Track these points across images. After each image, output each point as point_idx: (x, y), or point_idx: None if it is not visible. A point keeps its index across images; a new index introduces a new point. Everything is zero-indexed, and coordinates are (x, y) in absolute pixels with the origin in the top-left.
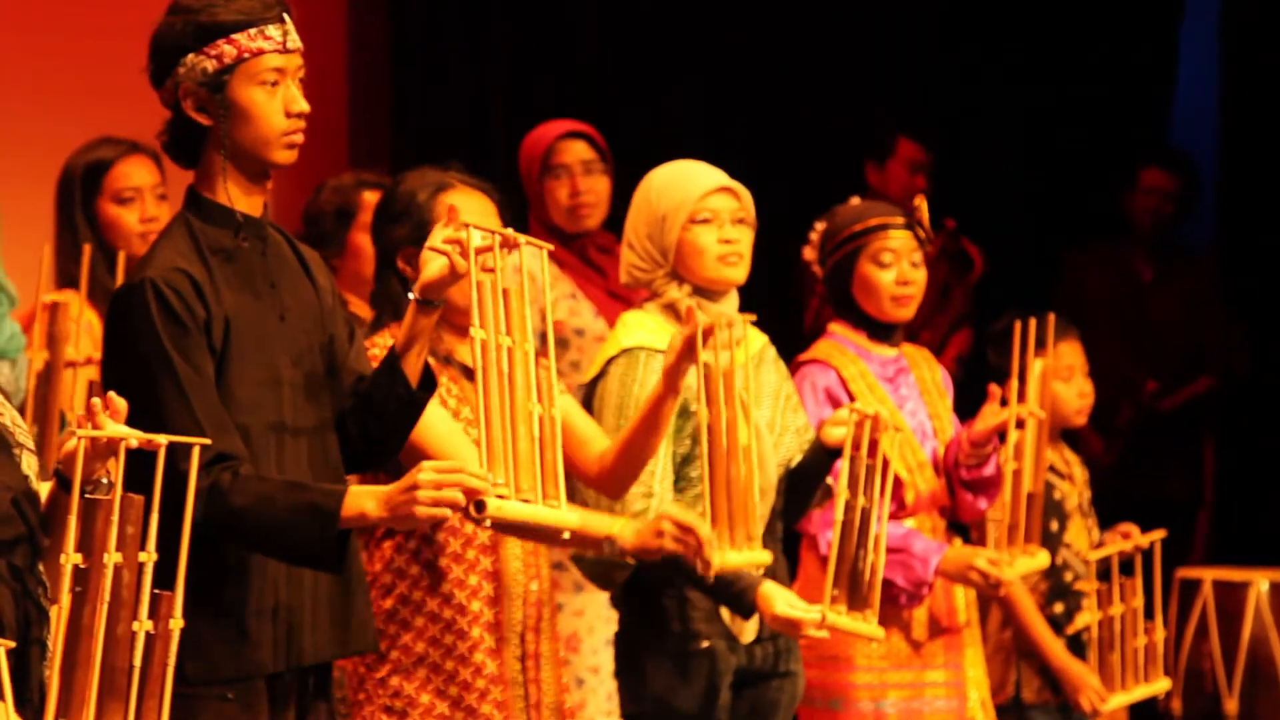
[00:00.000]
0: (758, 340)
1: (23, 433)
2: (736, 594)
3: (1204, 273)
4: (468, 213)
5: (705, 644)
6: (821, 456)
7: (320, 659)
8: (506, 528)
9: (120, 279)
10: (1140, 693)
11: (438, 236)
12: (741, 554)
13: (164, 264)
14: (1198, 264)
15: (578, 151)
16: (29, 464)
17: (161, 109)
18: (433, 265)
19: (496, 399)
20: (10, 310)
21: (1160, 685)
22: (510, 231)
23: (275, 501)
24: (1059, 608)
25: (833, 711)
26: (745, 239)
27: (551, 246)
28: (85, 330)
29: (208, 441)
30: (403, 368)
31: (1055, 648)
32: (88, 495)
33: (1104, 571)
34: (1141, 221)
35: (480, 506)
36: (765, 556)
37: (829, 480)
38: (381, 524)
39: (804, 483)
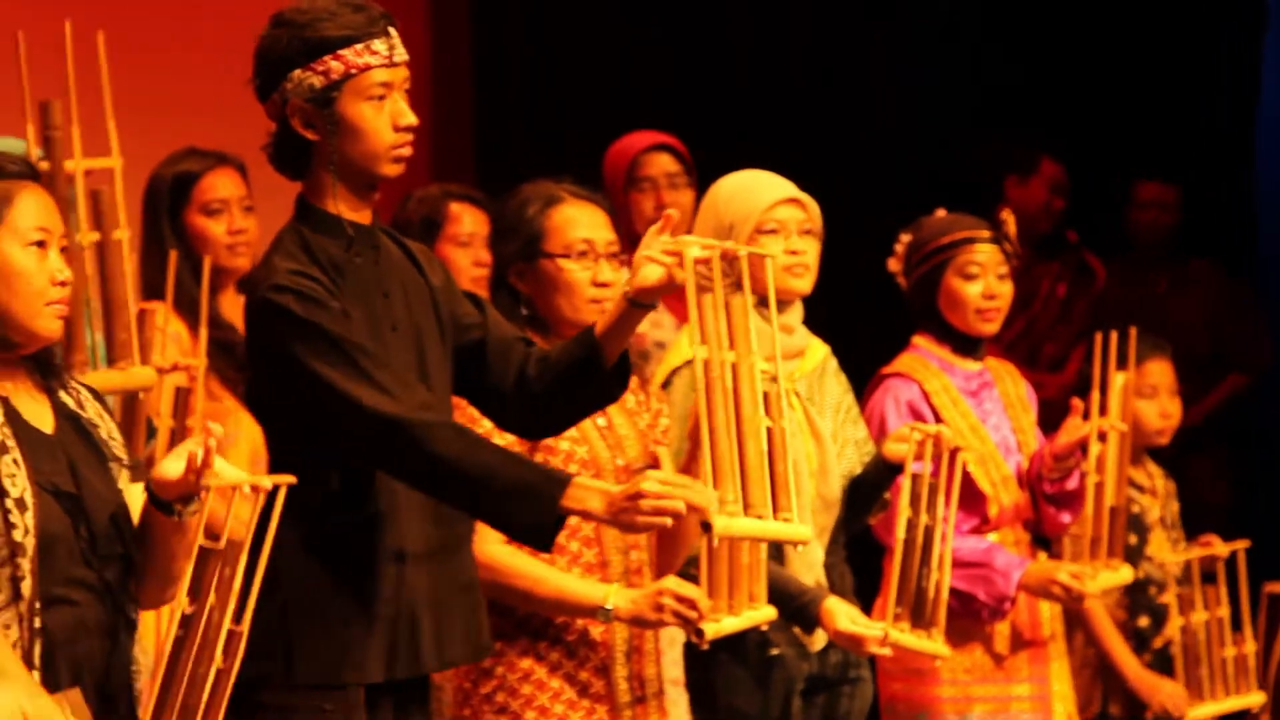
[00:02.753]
0: (820, 351)
1: (119, 446)
2: (799, 608)
3: (1217, 275)
4: (581, 225)
5: (775, 651)
6: (883, 471)
7: (428, 670)
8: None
9: (205, 286)
10: (1231, 704)
11: (654, 243)
12: (740, 617)
13: (285, 268)
14: (1210, 268)
15: (663, 164)
16: (125, 479)
17: (252, 122)
18: (648, 270)
19: (721, 415)
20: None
21: (1254, 698)
22: (731, 244)
23: (493, 467)
24: (1144, 621)
25: None
26: (811, 250)
27: (775, 254)
28: (172, 339)
29: (292, 480)
30: (601, 348)
31: (1128, 660)
32: (206, 545)
33: (1187, 581)
34: (1145, 235)
35: (707, 527)
36: (768, 613)
37: (887, 495)
38: (602, 522)
39: (863, 496)
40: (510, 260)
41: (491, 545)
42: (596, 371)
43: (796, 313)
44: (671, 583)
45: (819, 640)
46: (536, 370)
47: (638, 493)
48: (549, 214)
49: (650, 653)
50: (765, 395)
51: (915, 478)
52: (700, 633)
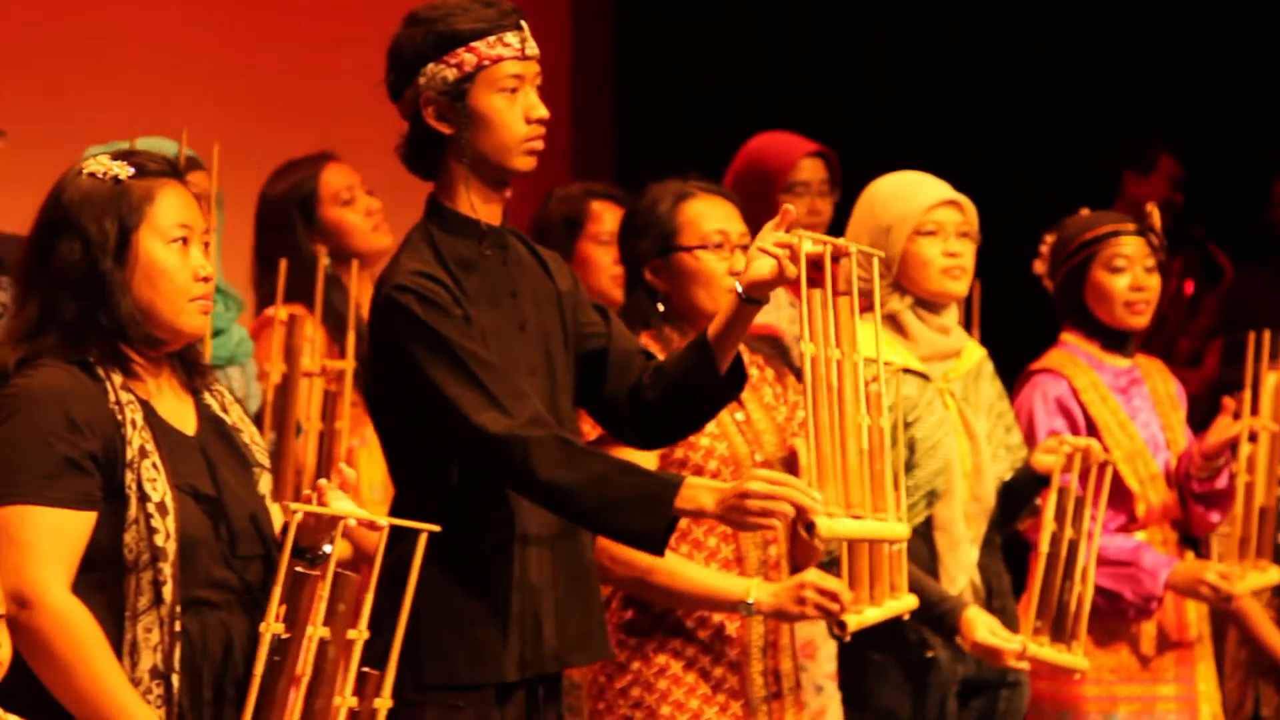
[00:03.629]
0: (976, 353)
1: (260, 451)
2: (939, 616)
3: None
4: (714, 217)
5: (930, 653)
6: (1030, 481)
7: (557, 668)
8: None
9: (353, 286)
10: None
11: (767, 236)
12: (882, 608)
13: (411, 269)
14: None
15: (817, 171)
16: (265, 484)
17: (371, 122)
18: (760, 263)
19: (826, 414)
20: (238, 316)
21: None
22: (841, 240)
23: (607, 482)
24: None
25: None
26: (969, 252)
27: (883, 254)
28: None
29: (436, 528)
30: (713, 352)
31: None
32: (302, 570)
33: None
34: None
35: (811, 528)
36: (909, 602)
37: (1037, 501)
38: (714, 519)
39: (1012, 502)
40: (645, 257)
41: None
42: (711, 374)
43: (952, 314)
44: (814, 575)
45: None
46: (651, 380)
47: (745, 492)
48: (681, 208)
49: (786, 647)
50: (866, 395)
51: (1062, 491)
52: (843, 625)
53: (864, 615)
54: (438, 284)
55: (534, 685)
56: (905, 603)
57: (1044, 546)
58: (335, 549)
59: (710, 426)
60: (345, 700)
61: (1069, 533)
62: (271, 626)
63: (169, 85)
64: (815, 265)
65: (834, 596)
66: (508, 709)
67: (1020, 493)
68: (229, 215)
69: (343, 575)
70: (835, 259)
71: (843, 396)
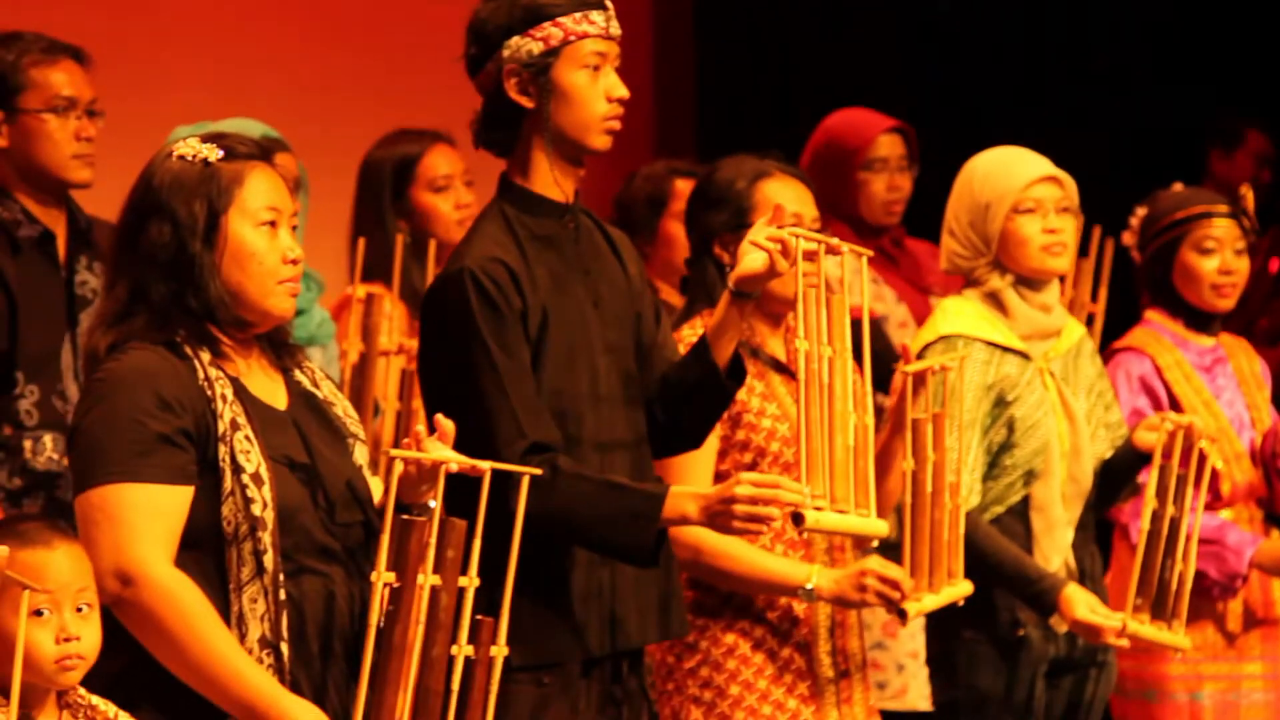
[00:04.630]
0: (1076, 331)
1: (354, 423)
2: (1038, 593)
3: None
4: (787, 200)
5: (1021, 632)
6: (1131, 458)
7: (640, 643)
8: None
9: (431, 268)
10: None
11: (760, 231)
12: (940, 595)
13: (481, 253)
14: None
15: (896, 147)
16: (361, 454)
17: (454, 101)
18: (753, 258)
19: (817, 410)
20: (319, 297)
21: None
22: (835, 240)
23: (597, 502)
24: None
25: (1147, 703)
26: (1069, 228)
27: (871, 253)
28: (394, 320)
29: (538, 472)
30: (712, 355)
31: None
32: (407, 518)
33: None
34: None
35: (798, 519)
36: (965, 588)
37: (1138, 480)
38: (700, 526)
39: (1112, 481)
40: (716, 231)
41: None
42: (711, 372)
43: (1054, 292)
44: (875, 563)
45: (1065, 621)
46: (657, 390)
47: (731, 497)
48: (758, 187)
49: (853, 627)
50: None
51: (1163, 468)
52: (903, 612)
53: (923, 603)
54: (506, 270)
55: (618, 661)
56: (961, 589)
57: (1145, 524)
58: (440, 494)
59: (771, 408)
60: (462, 648)
61: (1170, 510)
62: (383, 575)
63: (254, 65)
64: (810, 260)
65: (895, 584)
66: (592, 683)
67: (1120, 471)
68: (310, 196)
69: (449, 521)
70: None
71: (833, 393)
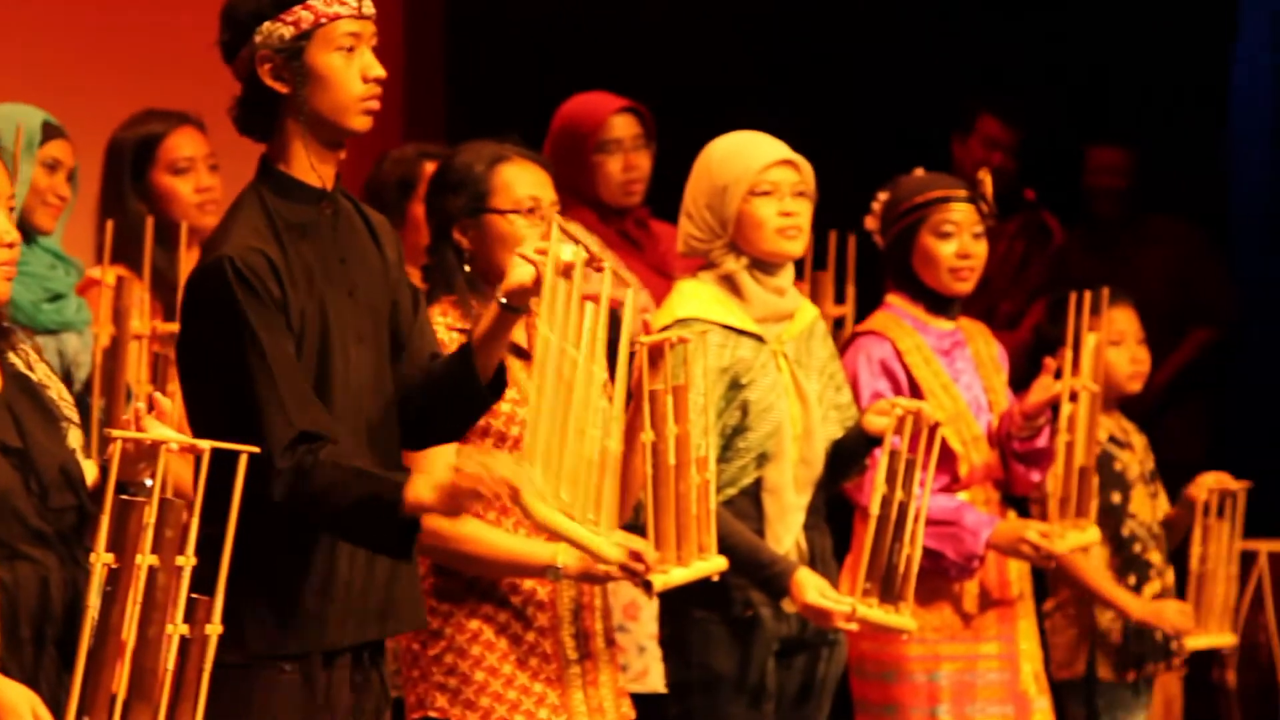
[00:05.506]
0: (809, 313)
1: (69, 406)
2: (768, 578)
3: (1178, 230)
4: (528, 183)
5: (751, 612)
6: (861, 441)
7: (378, 634)
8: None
9: (183, 250)
10: (1214, 640)
11: (529, 244)
12: (690, 568)
13: (239, 242)
14: (1171, 224)
15: (629, 126)
16: (75, 438)
17: (207, 82)
18: (520, 271)
19: (550, 399)
20: (76, 283)
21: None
22: (598, 250)
23: (346, 490)
24: (1132, 579)
25: (886, 683)
26: (805, 212)
27: (635, 287)
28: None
29: (255, 450)
30: (475, 365)
31: (1124, 597)
32: (127, 498)
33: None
34: (1100, 201)
35: (648, 586)
36: (718, 563)
37: (865, 461)
38: (437, 513)
39: (841, 462)
40: (455, 216)
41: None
42: (472, 381)
43: (788, 275)
44: (618, 537)
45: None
46: (419, 382)
47: (458, 473)
48: (496, 171)
49: (598, 609)
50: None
51: (893, 454)
52: (649, 585)
53: (670, 575)
54: (265, 260)
55: (359, 651)
56: (713, 564)
57: (875, 509)
58: (159, 474)
59: (510, 392)
60: (177, 628)
61: (899, 495)
62: (102, 556)
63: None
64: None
65: (638, 556)
66: (334, 673)
67: (849, 453)
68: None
69: (168, 501)
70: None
71: (572, 395)
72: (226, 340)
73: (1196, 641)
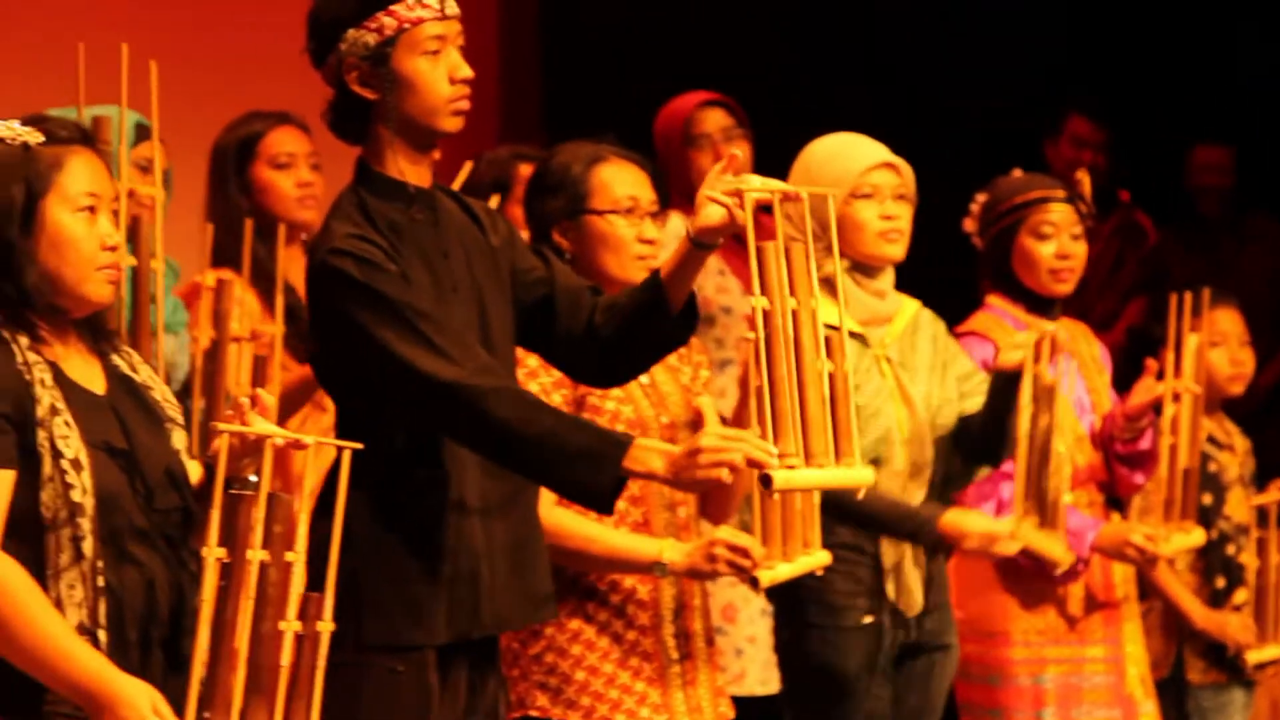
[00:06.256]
0: (910, 309)
1: (173, 408)
2: (919, 527)
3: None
4: (626, 182)
5: (869, 619)
6: (1002, 386)
7: (494, 631)
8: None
9: (281, 246)
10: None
11: (716, 184)
12: (795, 564)
13: (343, 233)
14: (1270, 222)
15: (717, 120)
16: (179, 439)
17: (316, 84)
18: (710, 211)
19: (783, 367)
20: (173, 285)
21: None
22: (789, 185)
23: (556, 432)
24: (1220, 582)
25: (991, 687)
26: (905, 215)
27: (835, 192)
28: (248, 308)
29: (359, 445)
30: (666, 291)
31: (1193, 604)
32: (235, 493)
33: (1264, 525)
34: (1203, 200)
35: (766, 481)
36: (823, 558)
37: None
38: (667, 484)
39: (995, 418)
40: (555, 218)
41: (544, 507)
42: (664, 315)
43: (888, 278)
44: (724, 533)
45: (914, 606)
46: (604, 318)
47: (697, 449)
48: (594, 171)
49: (698, 609)
50: (828, 340)
51: (1036, 376)
52: (755, 581)
53: (776, 571)
54: (372, 244)
55: (472, 647)
56: (818, 558)
57: (1024, 428)
58: (266, 468)
59: (615, 391)
60: (290, 624)
61: (1045, 419)
62: (214, 551)
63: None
64: (766, 210)
65: (745, 552)
66: (447, 672)
67: (1000, 404)
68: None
69: (277, 496)
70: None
71: (800, 346)
72: (364, 318)
73: (1259, 655)
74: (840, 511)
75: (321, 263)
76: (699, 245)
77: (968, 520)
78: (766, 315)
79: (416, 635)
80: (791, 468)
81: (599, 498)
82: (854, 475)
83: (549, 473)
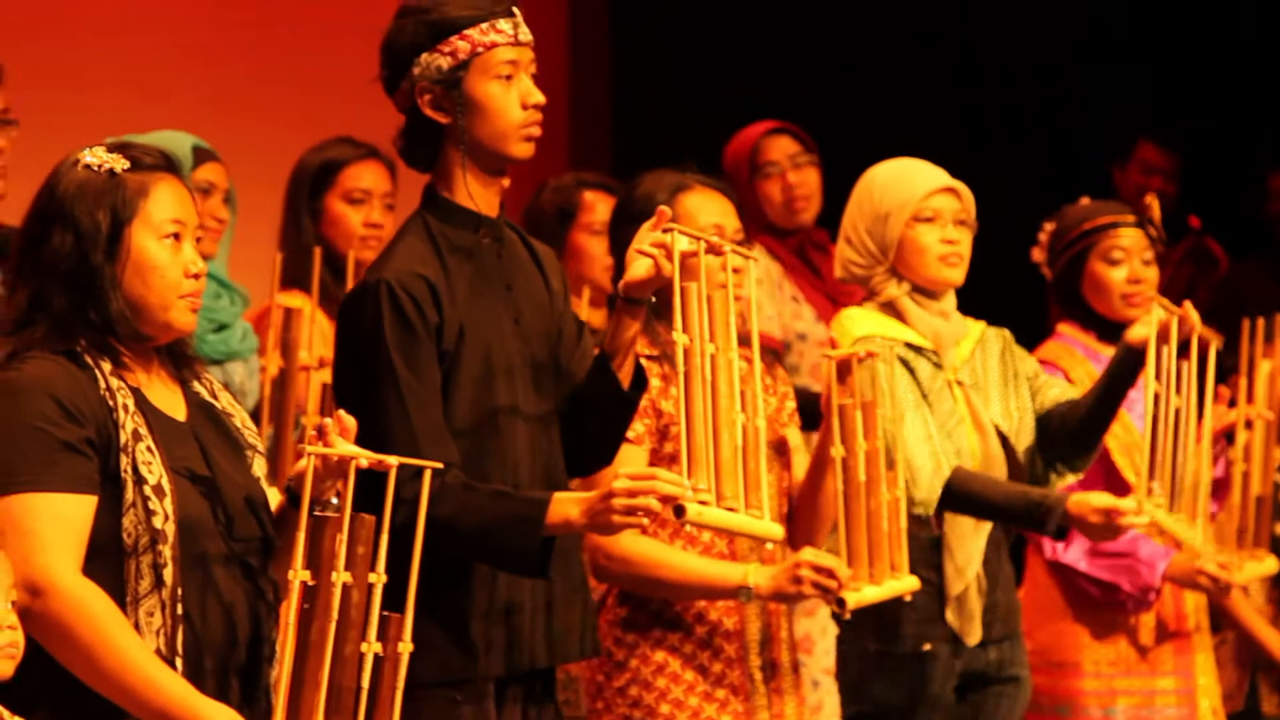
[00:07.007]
0: (975, 330)
1: (253, 434)
2: (1045, 514)
3: None
4: (711, 211)
5: (928, 647)
6: (1126, 358)
7: (547, 663)
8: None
9: (350, 282)
10: None
11: (645, 238)
12: (882, 587)
13: (400, 266)
14: None
15: (784, 147)
16: (259, 466)
17: (392, 113)
18: (637, 265)
19: (700, 405)
20: (242, 311)
21: None
22: (715, 238)
23: (482, 510)
24: None
25: (1061, 718)
26: (966, 240)
27: (756, 257)
28: (317, 333)
29: (439, 465)
30: (612, 368)
31: (1270, 636)
32: (316, 514)
33: None
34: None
35: (680, 511)
36: (911, 583)
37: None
38: (584, 530)
39: (1108, 395)
40: None
41: (627, 539)
42: (612, 386)
43: (950, 301)
44: (809, 554)
45: (974, 635)
46: (566, 408)
47: (610, 492)
48: (679, 200)
49: (785, 640)
50: (742, 392)
51: (1159, 352)
52: (842, 603)
53: (863, 593)
54: (425, 284)
55: (530, 680)
56: (906, 583)
57: (1148, 407)
58: (349, 489)
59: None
60: (371, 645)
61: (1175, 400)
62: (300, 574)
63: (174, 73)
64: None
65: (830, 573)
66: (504, 704)
67: (1119, 379)
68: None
69: (359, 517)
70: (712, 254)
71: (716, 390)
72: (369, 362)
73: None
74: (953, 498)
75: (373, 282)
76: (629, 301)
77: (1090, 497)
78: (686, 353)
79: (470, 669)
80: (704, 503)
81: (529, 559)
82: (765, 526)
83: (484, 552)
